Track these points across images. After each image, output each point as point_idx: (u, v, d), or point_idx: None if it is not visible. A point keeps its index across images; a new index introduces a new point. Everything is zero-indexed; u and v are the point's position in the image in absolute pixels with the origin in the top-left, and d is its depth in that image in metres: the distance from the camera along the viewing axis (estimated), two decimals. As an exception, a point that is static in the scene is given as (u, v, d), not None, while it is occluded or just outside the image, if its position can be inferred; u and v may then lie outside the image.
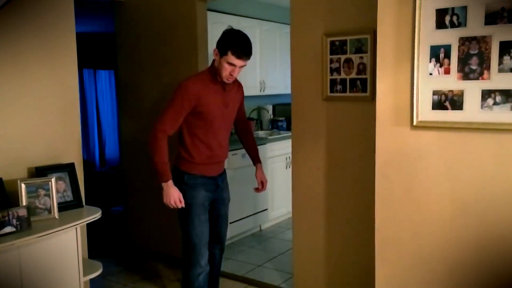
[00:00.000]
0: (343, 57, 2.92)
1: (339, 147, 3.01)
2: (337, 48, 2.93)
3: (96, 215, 2.77)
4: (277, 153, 5.01)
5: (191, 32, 3.80)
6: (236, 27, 2.76)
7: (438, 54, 2.04)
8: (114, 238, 4.81)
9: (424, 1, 2.05)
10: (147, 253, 4.31)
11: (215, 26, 4.28)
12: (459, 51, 2.00)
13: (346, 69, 2.91)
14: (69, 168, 2.91)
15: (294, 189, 3.26)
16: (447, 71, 2.03)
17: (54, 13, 2.92)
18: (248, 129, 3.09)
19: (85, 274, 2.75)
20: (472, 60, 1.97)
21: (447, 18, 2.01)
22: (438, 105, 2.07)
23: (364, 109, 2.85)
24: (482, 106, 1.97)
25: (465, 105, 2.01)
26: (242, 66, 2.60)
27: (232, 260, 4.13)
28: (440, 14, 2.02)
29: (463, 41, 1.98)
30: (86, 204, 3.00)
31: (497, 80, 1.93)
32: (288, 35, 3.22)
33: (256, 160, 3.04)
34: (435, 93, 2.07)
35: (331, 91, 2.98)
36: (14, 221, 2.40)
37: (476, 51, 1.96)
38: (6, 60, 2.69)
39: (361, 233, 2.94)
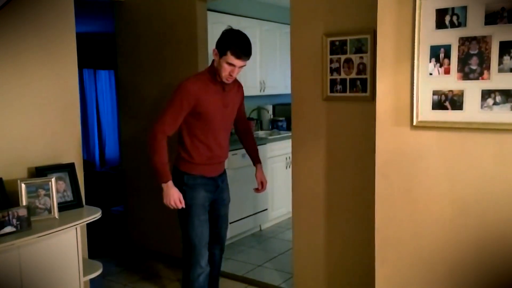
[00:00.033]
0: (343, 57, 2.92)
1: (339, 147, 3.01)
2: (337, 48, 2.93)
3: (96, 215, 2.77)
4: (277, 153, 5.01)
5: (191, 32, 3.80)
6: (236, 27, 2.75)
7: (438, 54, 2.04)
8: (114, 238, 4.81)
9: (424, 1, 2.05)
10: (147, 253, 4.31)
11: (215, 26, 4.28)
12: (459, 51, 2.00)
13: (346, 69, 2.91)
14: (69, 168, 2.91)
15: (294, 189, 3.26)
16: (447, 71, 2.03)
17: (54, 13, 2.92)
18: (248, 129, 3.09)
19: (85, 274, 2.75)
20: (472, 60, 1.97)
21: (447, 18, 2.01)
22: (438, 105, 2.07)
23: (364, 109, 2.85)
24: (482, 106, 1.97)
25: (465, 105, 2.01)
26: (241, 66, 2.60)
27: (232, 260, 4.13)
28: (440, 14, 2.02)
29: (463, 41, 1.98)
30: (86, 204, 3.00)
31: (497, 80, 1.93)
32: (288, 35, 3.22)
33: (256, 160, 3.04)
34: (435, 93, 2.07)
35: (331, 91, 2.98)
36: (14, 221, 2.40)
37: (476, 51, 1.96)
38: (6, 60, 2.69)
39: (361, 233, 2.94)
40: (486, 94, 1.96)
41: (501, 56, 1.91)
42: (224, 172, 2.91)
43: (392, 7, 2.15)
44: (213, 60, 2.66)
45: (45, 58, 2.88)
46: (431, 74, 2.07)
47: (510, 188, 1.96)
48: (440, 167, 2.11)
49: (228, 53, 2.53)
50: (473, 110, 1.99)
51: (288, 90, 3.53)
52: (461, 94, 2.01)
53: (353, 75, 2.89)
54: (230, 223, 3.08)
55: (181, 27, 3.86)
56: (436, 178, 2.12)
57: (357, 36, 2.85)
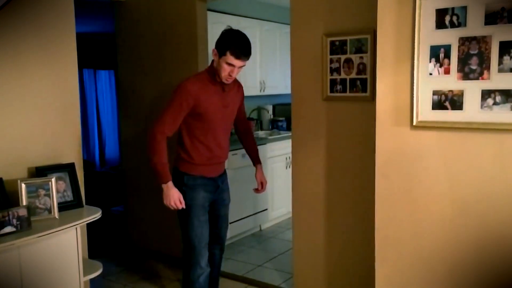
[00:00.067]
0: (343, 57, 2.92)
1: (339, 147, 3.01)
2: (337, 48, 2.93)
3: (96, 215, 2.77)
4: (277, 153, 5.01)
5: (191, 32, 3.80)
6: (236, 27, 2.75)
7: (438, 54, 2.04)
8: (114, 238, 4.81)
9: (424, 1, 2.05)
10: (147, 253, 4.31)
11: (215, 26, 4.28)
12: (459, 51, 2.00)
13: (346, 69, 2.91)
14: (69, 168, 2.91)
15: (294, 189, 3.26)
16: (447, 71, 2.03)
17: (54, 13, 2.92)
18: (248, 129, 3.08)
19: (85, 274, 2.75)
20: (472, 60, 1.97)
21: (447, 18, 2.01)
22: (438, 105, 2.07)
23: (364, 109, 2.85)
24: (482, 106, 1.97)
25: (465, 105, 2.01)
26: (241, 67, 2.59)
27: (232, 260, 4.13)
28: (440, 14, 2.02)
29: (463, 41, 1.99)
30: (86, 204, 3.00)
31: (497, 80, 1.93)
32: (288, 35, 3.22)
33: (256, 160, 3.03)
34: (435, 93, 2.07)
35: (331, 91, 2.98)
36: (14, 221, 2.40)
37: (476, 51, 1.96)
38: (6, 60, 2.69)
39: (361, 233, 2.94)
40: (486, 94, 1.96)
41: (501, 56, 1.91)
42: (224, 173, 2.91)
43: (392, 7, 2.15)
44: (213, 60, 2.65)
45: (45, 58, 2.88)
46: (431, 74, 2.07)
47: (510, 188, 1.96)
48: (440, 167, 2.11)
49: (228, 53, 2.52)
50: (473, 110, 1.99)
51: (288, 90, 3.53)
52: (461, 94, 2.01)
53: (353, 75, 2.89)
54: (230, 223, 3.08)
55: (181, 27, 3.86)
56: (436, 178, 2.12)
57: (357, 36, 2.85)
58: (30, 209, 2.53)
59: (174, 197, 2.62)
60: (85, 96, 7.78)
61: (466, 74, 1.99)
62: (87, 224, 2.88)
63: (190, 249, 2.75)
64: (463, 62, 2.00)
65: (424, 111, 2.10)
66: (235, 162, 4.34)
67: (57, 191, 2.74)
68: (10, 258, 2.36)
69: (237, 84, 2.85)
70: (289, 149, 3.42)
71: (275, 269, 3.93)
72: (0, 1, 2.53)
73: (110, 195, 5.67)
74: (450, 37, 2.01)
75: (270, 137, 5.07)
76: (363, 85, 2.86)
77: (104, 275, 3.60)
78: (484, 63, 1.95)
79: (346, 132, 2.97)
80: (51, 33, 2.90)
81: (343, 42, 2.90)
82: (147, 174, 4.10)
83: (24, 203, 2.56)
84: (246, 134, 3.07)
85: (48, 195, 2.65)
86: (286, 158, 5.05)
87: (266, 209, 4.97)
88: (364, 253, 2.90)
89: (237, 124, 3.01)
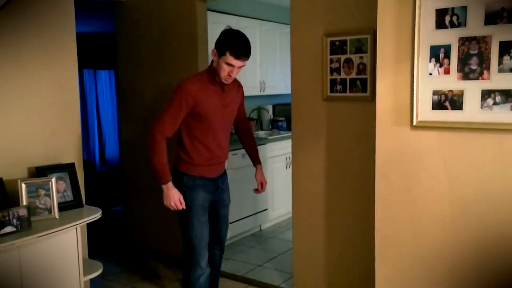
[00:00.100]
0: (343, 57, 2.92)
1: (339, 147, 3.01)
2: (337, 48, 2.93)
3: (96, 215, 2.77)
4: (277, 153, 5.01)
5: (191, 32, 3.80)
6: (236, 27, 2.75)
7: (438, 54, 2.04)
8: (114, 238, 4.81)
9: (424, 1, 2.05)
10: (147, 253, 4.31)
11: (215, 26, 4.28)
12: (459, 51, 2.00)
13: (346, 69, 2.91)
14: (69, 168, 2.92)
15: (294, 189, 3.26)
16: (447, 71, 2.03)
17: (54, 13, 2.92)
18: (248, 129, 3.08)
19: (85, 274, 2.75)
20: (472, 60, 1.97)
21: (447, 18, 2.01)
22: (438, 105, 2.07)
23: (364, 109, 2.85)
24: (482, 106, 1.97)
25: (465, 105, 2.01)
26: (240, 67, 2.58)
27: (232, 260, 4.13)
28: (440, 14, 2.02)
29: (463, 41, 1.99)
30: (86, 204, 3.00)
31: (497, 80, 1.93)
32: (288, 35, 3.22)
33: (256, 161, 3.03)
34: (435, 93, 2.07)
35: (331, 91, 2.98)
36: (15, 221, 2.40)
37: (476, 51, 1.96)
38: (6, 60, 2.69)
39: (361, 233, 2.94)
40: (486, 94, 1.96)
41: (501, 56, 1.91)
42: (225, 173, 2.90)
43: (392, 7, 2.15)
44: (212, 61, 2.64)
45: (45, 58, 2.88)
46: (431, 74, 2.07)
47: (510, 188, 1.96)
48: (440, 167, 2.11)
49: (227, 53, 2.52)
50: (473, 110, 1.99)
51: (288, 90, 3.53)
52: (461, 94, 2.01)
53: (353, 75, 2.89)
54: (230, 223, 3.08)
55: (181, 27, 3.86)
56: (436, 178, 2.12)
57: (357, 36, 2.85)
58: (30, 209, 2.53)
59: (174, 198, 2.62)
60: (85, 96, 7.78)
61: (466, 74, 2.00)
62: (87, 224, 2.88)
63: (190, 250, 2.75)
64: (463, 62, 2.00)
65: (424, 111, 2.10)
66: (235, 162, 4.34)
67: (57, 191, 2.74)
68: (10, 258, 2.36)
69: (237, 84, 2.85)
70: (289, 149, 3.42)
71: (275, 269, 3.93)
72: (0, 1, 2.53)
73: (110, 195, 5.67)
74: (450, 37, 2.01)
75: (270, 137, 5.07)
76: (363, 85, 2.86)
77: (104, 275, 3.60)
78: (484, 63, 1.95)
79: (346, 132, 2.97)
80: (51, 33, 2.91)
81: (343, 42, 2.90)
82: (147, 174, 4.10)
83: (24, 203, 2.56)
84: (246, 134, 3.06)
85: (48, 195, 2.65)
86: (286, 158, 5.05)
87: (266, 209, 4.97)
88: (364, 253, 2.90)
89: (237, 124, 3.00)
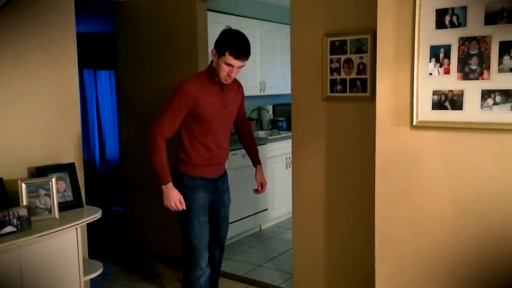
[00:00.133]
0: (343, 57, 2.92)
1: (339, 147, 3.01)
2: (337, 48, 2.93)
3: (96, 215, 2.77)
4: (277, 153, 5.01)
5: (191, 32, 3.80)
6: (236, 27, 2.75)
7: (438, 54, 2.04)
8: (114, 238, 4.81)
9: (424, 1, 2.05)
10: (147, 253, 4.31)
11: (215, 26, 4.28)
12: (459, 51, 2.00)
13: (346, 69, 2.91)
14: (69, 168, 2.92)
15: (294, 189, 3.26)
16: (447, 71, 2.03)
17: (54, 13, 2.92)
18: (248, 130, 3.07)
19: (85, 274, 2.75)
20: (472, 60, 1.97)
21: (447, 18, 2.01)
22: (438, 105, 2.07)
23: (364, 109, 2.85)
24: (482, 106, 1.97)
25: (465, 105, 2.01)
26: (240, 67, 2.57)
27: (232, 260, 4.13)
28: (440, 14, 2.02)
29: (463, 41, 1.99)
30: (86, 204, 3.00)
31: (497, 80, 1.93)
32: (288, 35, 3.22)
33: (256, 161, 3.03)
34: (435, 93, 2.07)
35: (331, 91, 2.98)
36: (15, 221, 2.40)
37: (476, 51, 1.96)
38: (6, 60, 2.69)
39: (361, 233, 2.94)
40: (486, 94, 1.96)
41: (501, 56, 1.91)
42: (225, 173, 2.90)
43: (392, 7, 2.15)
44: (212, 61, 2.64)
45: (45, 58, 2.88)
46: (431, 74, 2.07)
47: (510, 188, 1.96)
48: (440, 167, 2.11)
49: (227, 54, 2.50)
50: (473, 110, 1.99)
51: (288, 90, 3.53)
52: (461, 94, 2.01)
53: (353, 75, 2.89)
54: (230, 223, 3.07)
55: (181, 27, 3.86)
56: (436, 178, 2.12)
57: (357, 36, 2.85)
58: (31, 209, 2.53)
59: (174, 198, 2.61)
60: (85, 96, 7.78)
61: (466, 74, 2.00)
62: (87, 224, 2.88)
63: (190, 250, 2.74)
64: (463, 62, 2.00)
65: (424, 111, 2.10)
66: (235, 162, 4.34)
67: (57, 191, 2.74)
68: (10, 258, 2.36)
69: (237, 84, 2.84)
70: (289, 149, 3.42)
71: (275, 269, 3.93)
72: (0, 1, 2.53)
73: (110, 195, 5.67)
74: (450, 37, 2.01)
75: (270, 137, 5.07)
76: (363, 85, 2.86)
77: (104, 275, 3.60)
78: (484, 63, 1.95)
79: (346, 132, 2.97)
80: (51, 33, 2.91)
81: (343, 42, 2.90)
82: (147, 174, 4.09)
83: (25, 203, 2.57)
84: (246, 134, 3.06)
85: (49, 195, 2.65)
86: (286, 158, 5.05)
87: (266, 209, 4.97)
88: (364, 253, 2.90)
89: (237, 124, 3.00)
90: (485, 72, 1.95)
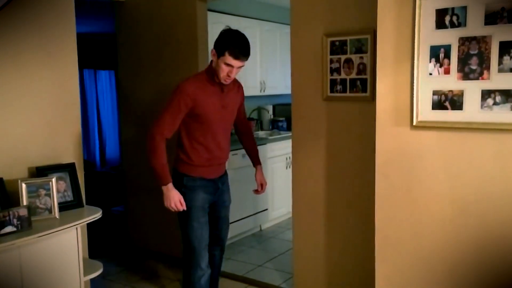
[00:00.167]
0: (343, 57, 2.92)
1: (339, 147, 3.01)
2: (337, 48, 2.93)
3: (97, 215, 2.77)
4: (277, 153, 5.01)
5: (191, 32, 3.80)
6: (236, 27, 2.74)
7: (438, 54, 2.04)
8: (114, 238, 4.81)
9: (424, 1, 2.05)
10: (147, 253, 4.31)
11: (215, 26, 4.28)
12: (459, 51, 2.00)
13: (346, 69, 2.91)
14: (69, 168, 2.92)
15: (294, 189, 3.26)
16: (447, 71, 2.04)
17: (55, 13, 2.92)
18: (249, 130, 3.07)
19: (85, 274, 2.75)
20: (472, 60, 1.97)
21: (447, 18, 2.01)
22: (438, 105, 2.07)
23: (364, 109, 2.85)
24: (482, 106, 1.97)
25: (465, 105, 2.01)
26: (240, 67, 2.55)
27: (232, 260, 4.13)
28: (440, 14, 2.02)
29: (463, 41, 1.99)
30: (86, 204, 3.00)
31: (497, 80, 1.93)
32: (289, 35, 3.22)
33: (256, 162, 3.02)
34: (435, 93, 2.07)
35: (331, 91, 2.98)
36: (15, 221, 2.40)
37: (476, 51, 1.96)
38: (6, 60, 2.69)
39: (361, 233, 2.94)
40: (486, 94, 1.96)
41: (501, 56, 1.91)
42: (225, 174, 2.89)
43: (392, 7, 2.15)
44: (211, 61, 2.63)
45: (45, 58, 2.89)
46: (431, 74, 2.07)
47: (510, 188, 1.96)
48: (440, 167, 2.11)
49: (226, 54, 2.49)
50: (473, 110, 1.99)
51: (288, 90, 3.53)
52: (461, 94, 2.01)
53: (353, 75, 2.89)
54: (230, 223, 3.07)
55: (181, 27, 3.86)
56: (436, 178, 2.12)
57: (357, 36, 2.85)
58: (31, 209, 2.53)
59: (174, 199, 2.61)
60: (86, 96, 7.78)
61: (466, 74, 2.00)
62: (88, 224, 2.88)
63: (190, 251, 2.74)
64: (463, 62, 2.00)
65: (424, 111, 2.10)
66: (235, 162, 4.34)
67: (58, 191, 2.74)
68: (11, 258, 2.36)
69: (237, 84, 2.83)
70: (289, 149, 3.42)
71: (275, 269, 3.93)
72: (0, 1, 2.53)
73: (111, 195, 5.68)
74: (450, 37, 2.01)
75: (270, 137, 5.07)
76: (363, 85, 2.86)
77: (104, 275, 3.60)
78: (484, 63, 1.95)
79: (346, 132, 2.97)
80: (51, 33, 2.91)
81: (343, 42, 2.90)
82: (147, 174, 4.07)
83: (25, 203, 2.57)
84: (246, 134, 3.05)
85: (49, 195, 2.65)
86: (286, 158, 5.05)
87: (266, 209, 4.97)
88: (364, 253, 2.90)
89: (237, 125, 2.99)
90: (485, 72, 1.95)
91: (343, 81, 2.93)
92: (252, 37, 4.71)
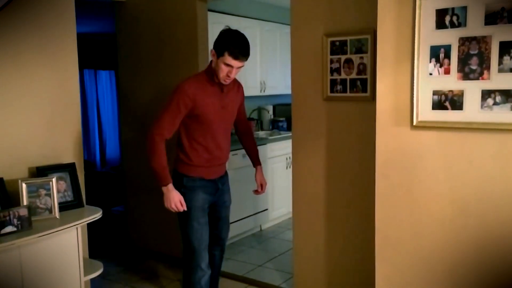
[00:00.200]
0: (343, 57, 2.92)
1: (339, 147, 3.01)
2: (337, 48, 2.93)
3: (97, 215, 2.77)
4: (278, 153, 5.01)
5: (191, 32, 3.80)
6: (236, 27, 2.74)
7: (438, 54, 2.04)
8: (114, 238, 4.81)
9: (424, 1, 2.05)
10: (147, 253, 4.31)
11: (215, 27, 4.27)
12: (459, 51, 2.00)
13: (347, 69, 2.91)
14: (69, 168, 2.92)
15: (294, 189, 3.26)
16: (447, 71, 2.04)
17: (55, 13, 2.92)
18: (249, 130, 3.06)
19: (86, 274, 2.75)
20: (472, 60, 1.97)
21: (447, 18, 2.01)
22: (438, 105, 2.07)
23: (364, 109, 2.85)
24: (482, 106, 1.97)
25: (465, 105, 2.01)
26: (239, 67, 2.55)
27: (233, 260, 4.13)
28: (440, 14, 2.02)
29: (463, 41, 1.99)
30: (86, 204, 3.00)
31: (497, 80, 1.93)
32: (289, 36, 3.22)
33: (256, 162, 3.02)
34: (435, 93, 2.07)
35: (332, 91, 2.98)
36: (15, 221, 2.40)
37: (476, 51, 1.96)
38: (7, 60, 2.69)
39: (361, 233, 2.94)
40: (486, 94, 1.96)
41: (501, 56, 1.91)
42: (226, 174, 2.88)
43: (392, 7, 2.15)
44: (211, 61, 2.62)
45: (45, 59, 2.89)
46: (431, 74, 2.07)
47: (510, 188, 1.96)
48: (440, 167, 2.11)
49: (226, 54, 2.48)
50: (473, 110, 1.99)
51: (288, 91, 3.53)
52: (461, 94, 2.01)
53: (353, 75, 2.89)
54: (230, 223, 3.07)
55: (182, 27, 3.86)
56: (436, 178, 2.12)
57: (357, 36, 2.85)
58: (31, 209, 2.53)
59: (174, 200, 2.60)
60: (86, 96, 7.78)
61: (466, 74, 2.00)
62: (88, 224, 2.88)
63: (191, 252, 2.73)
64: (463, 62, 2.00)
65: (424, 111, 2.10)
66: (236, 162, 4.35)
67: (58, 191, 2.74)
68: (11, 258, 2.36)
69: (237, 84, 2.83)
70: (290, 149, 3.43)
71: (276, 269, 3.93)
72: (1, 1, 2.53)
73: (111, 195, 5.68)
74: (450, 37, 2.01)
75: (270, 137, 5.07)
76: (363, 85, 2.86)
77: (104, 275, 3.60)
78: (484, 63, 1.95)
79: (346, 132, 2.97)
80: (51, 33, 2.91)
81: (343, 42, 2.90)
82: (147, 175, 4.07)
83: (25, 203, 2.57)
84: (246, 135, 3.05)
85: (49, 195, 2.65)
86: (287, 158, 5.05)
87: (266, 209, 4.97)
88: (364, 253, 2.90)
89: (237, 125, 2.99)
90: (485, 72, 1.95)
91: (343, 81, 2.93)
92: (252, 37, 4.72)
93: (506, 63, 1.90)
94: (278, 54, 5.58)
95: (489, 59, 1.93)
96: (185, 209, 2.64)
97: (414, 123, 2.13)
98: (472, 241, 2.06)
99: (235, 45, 2.49)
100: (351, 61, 2.89)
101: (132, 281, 3.76)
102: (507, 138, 1.94)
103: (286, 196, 4.70)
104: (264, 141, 4.86)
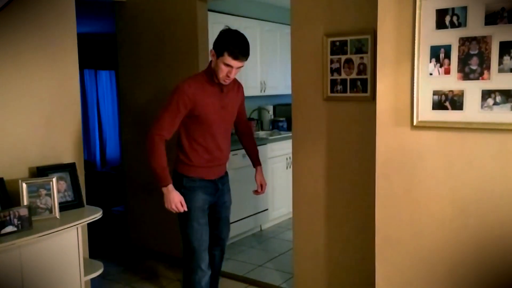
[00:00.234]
0: (343, 58, 2.92)
1: (340, 147, 3.01)
2: (337, 48, 2.93)
3: (97, 215, 2.77)
4: (278, 153, 5.01)
5: (191, 32, 3.80)
6: (236, 27, 2.74)
7: (438, 54, 2.05)
8: (114, 238, 4.81)
9: (424, 1, 2.05)
10: (147, 253, 4.31)
11: (216, 27, 4.27)
12: (459, 51, 2.00)
13: (347, 69, 2.91)
14: (70, 168, 2.92)
15: (294, 189, 3.26)
16: (447, 71, 2.04)
17: (55, 13, 2.92)
18: (249, 130, 3.06)
19: (86, 274, 2.75)
20: (472, 60, 1.97)
21: (447, 18, 2.01)
22: (438, 105, 2.07)
23: (364, 109, 2.85)
24: (482, 106, 1.97)
25: (465, 105, 2.01)
26: (239, 67, 2.54)
27: (233, 260, 4.13)
28: (440, 14, 2.02)
29: (463, 41, 1.99)
30: (87, 204, 3.00)
31: (497, 80, 1.93)
32: (289, 36, 3.22)
33: (256, 162, 3.01)
34: (435, 93, 2.07)
35: (332, 91, 2.98)
36: (15, 221, 2.40)
37: (476, 51, 1.96)
38: (7, 60, 2.69)
39: (361, 233, 2.94)
40: (486, 94, 1.96)
41: (501, 56, 1.91)
42: (226, 175, 2.88)
43: (392, 7, 2.15)
44: (211, 61, 2.61)
45: (46, 59, 2.89)
46: (431, 74, 2.07)
47: (510, 188, 1.96)
48: (440, 167, 2.11)
49: (225, 54, 2.48)
50: (473, 110, 1.99)
51: (288, 91, 3.54)
52: (461, 94, 2.01)
53: (354, 75, 2.89)
54: (230, 223, 3.07)
55: (182, 27, 3.86)
56: (436, 178, 2.12)
57: (358, 37, 2.85)
58: (31, 209, 2.53)
59: (175, 201, 2.59)
60: (86, 96, 7.78)
61: (466, 74, 2.00)
62: (88, 224, 2.88)
63: (191, 253, 2.73)
64: (463, 62, 2.00)
65: (424, 111, 2.10)
66: (236, 162, 4.34)
67: (58, 191, 2.74)
68: (11, 258, 2.36)
69: (237, 85, 2.82)
70: (290, 149, 3.43)
71: (276, 269, 3.93)
72: (1, 1, 2.53)
73: (111, 195, 5.68)
74: (450, 37, 2.02)
75: (270, 138, 5.08)
76: (363, 85, 2.87)
77: (104, 275, 3.60)
78: (484, 63, 1.95)
79: (347, 132, 2.97)
80: (51, 33, 2.91)
81: (344, 43, 2.90)
82: (147, 175, 4.08)
83: (25, 203, 2.57)
84: (247, 135, 3.04)
85: (49, 195, 2.66)
86: (287, 158, 5.05)
87: (266, 209, 4.97)
88: (364, 253, 2.90)
89: (237, 125, 2.98)
90: (485, 72, 1.95)
91: (344, 81, 2.93)
92: (252, 37, 4.72)
93: (506, 63, 1.90)
94: (278, 54, 5.59)
95: (489, 59, 1.93)
96: (186, 209, 2.64)
97: (414, 123, 2.13)
98: (472, 241, 2.06)
99: (234, 45, 2.49)
100: (351, 61, 2.89)
101: (132, 281, 3.76)
102: (507, 138, 1.94)
103: (286, 196, 4.70)
104: (264, 141, 4.86)
